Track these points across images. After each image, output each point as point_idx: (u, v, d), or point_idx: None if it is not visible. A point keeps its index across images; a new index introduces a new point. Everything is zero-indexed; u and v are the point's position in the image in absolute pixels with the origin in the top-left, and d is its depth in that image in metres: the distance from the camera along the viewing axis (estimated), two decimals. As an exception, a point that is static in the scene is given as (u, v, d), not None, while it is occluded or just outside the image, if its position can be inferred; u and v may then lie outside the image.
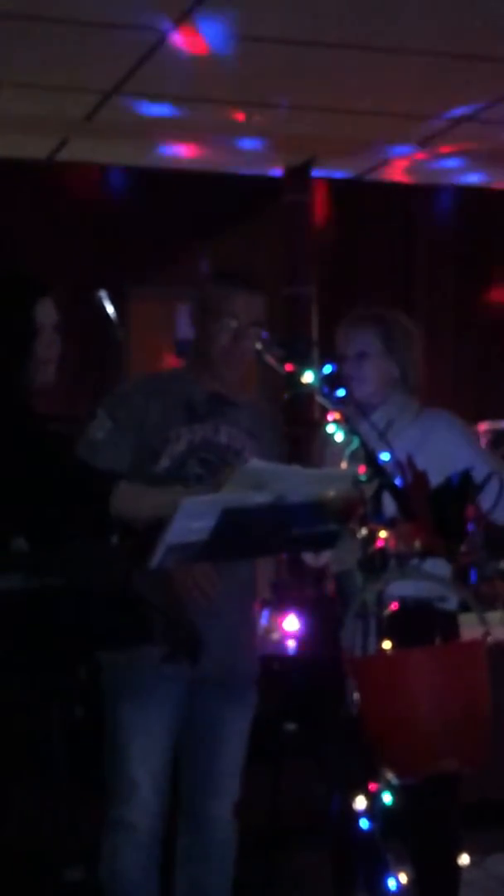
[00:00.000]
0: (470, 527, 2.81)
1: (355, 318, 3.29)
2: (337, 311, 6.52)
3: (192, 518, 2.48)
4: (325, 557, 3.05)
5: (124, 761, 2.91)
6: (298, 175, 6.28)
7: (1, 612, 2.60)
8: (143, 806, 2.91)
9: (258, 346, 2.97)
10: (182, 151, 6.18)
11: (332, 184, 6.58)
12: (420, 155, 6.25)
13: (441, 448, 3.12)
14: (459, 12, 4.52)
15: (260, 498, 2.50)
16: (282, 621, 4.36)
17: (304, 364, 2.85)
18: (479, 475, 2.82)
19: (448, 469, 2.80)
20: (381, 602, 2.68)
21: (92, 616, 2.66)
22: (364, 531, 2.64)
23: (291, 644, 4.33)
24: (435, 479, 2.74)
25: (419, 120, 5.76)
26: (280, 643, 4.33)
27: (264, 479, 2.52)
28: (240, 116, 5.69)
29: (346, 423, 2.82)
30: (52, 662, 2.76)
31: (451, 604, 3.13)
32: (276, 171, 6.34)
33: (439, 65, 5.04)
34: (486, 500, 3.07)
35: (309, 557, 3.16)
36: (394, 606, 2.73)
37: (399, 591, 2.82)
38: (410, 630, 2.81)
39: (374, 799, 2.68)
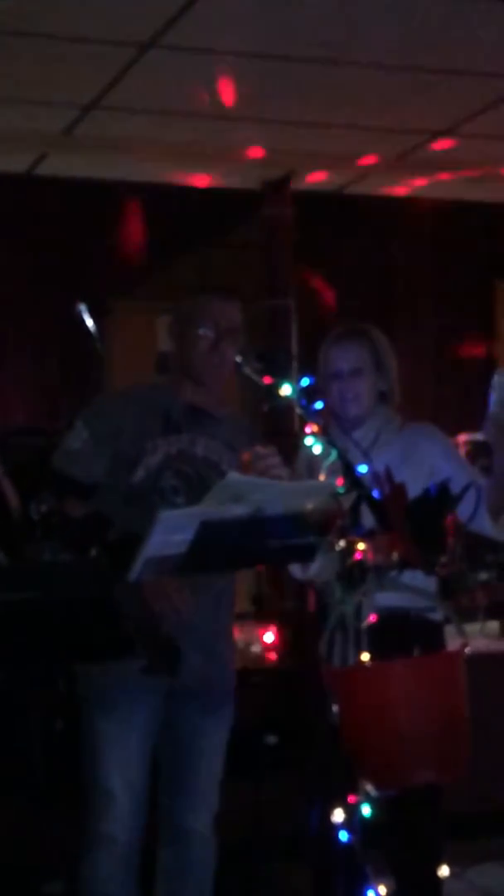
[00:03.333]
0: (449, 538, 2.81)
1: (342, 335, 3.28)
2: (316, 324, 6.57)
3: (171, 531, 2.50)
4: (313, 570, 3.04)
5: (101, 774, 2.91)
6: (277, 188, 6.29)
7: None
8: (121, 818, 2.91)
9: (237, 357, 2.98)
10: (161, 165, 6.19)
11: (312, 197, 6.60)
12: (399, 169, 6.28)
13: (425, 460, 3.15)
14: (436, 27, 4.54)
15: (238, 510, 2.52)
16: (262, 633, 4.37)
17: (282, 377, 2.86)
18: (459, 486, 2.84)
19: (432, 480, 2.81)
20: (360, 614, 2.69)
21: (71, 629, 2.66)
22: (342, 543, 2.65)
23: (272, 656, 4.34)
24: (420, 491, 2.75)
25: (398, 134, 5.78)
26: (260, 655, 4.34)
27: (243, 492, 2.53)
28: (218, 131, 5.70)
29: (325, 435, 2.83)
30: (31, 675, 2.76)
31: (438, 614, 3.13)
32: (255, 185, 6.36)
33: (417, 79, 5.06)
34: (464, 510, 3.09)
35: (296, 570, 3.16)
36: (372, 618, 2.74)
37: (382, 601, 2.84)
38: (391, 640, 2.82)
39: (353, 811, 2.69)
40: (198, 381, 3.02)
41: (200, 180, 6.43)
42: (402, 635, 2.95)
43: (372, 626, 2.80)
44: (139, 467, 2.95)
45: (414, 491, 2.76)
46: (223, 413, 3.10)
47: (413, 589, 2.72)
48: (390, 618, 2.95)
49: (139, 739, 2.93)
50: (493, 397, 2.96)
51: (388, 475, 2.90)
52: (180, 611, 2.78)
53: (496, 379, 2.94)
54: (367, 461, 2.85)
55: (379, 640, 2.82)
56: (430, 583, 2.93)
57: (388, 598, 2.85)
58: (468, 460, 4.65)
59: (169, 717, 2.97)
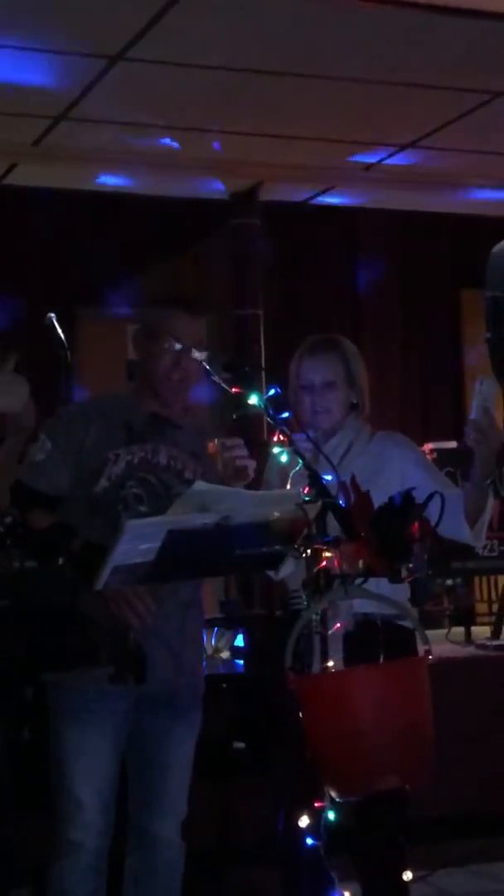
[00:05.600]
0: (415, 545, 2.84)
1: (314, 347, 3.26)
2: (284, 333, 6.62)
3: (138, 539, 2.51)
4: (285, 570, 3.04)
5: (69, 781, 2.92)
6: (245, 199, 6.33)
7: None
8: (89, 825, 2.91)
9: (205, 367, 3.01)
10: (130, 176, 6.22)
11: (279, 208, 6.64)
12: (366, 181, 6.34)
13: (396, 468, 3.16)
14: (400, 42, 4.60)
15: (205, 519, 2.53)
16: (231, 640, 4.39)
17: (250, 386, 2.89)
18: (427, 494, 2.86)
19: (404, 488, 2.83)
20: (325, 621, 2.72)
21: (38, 637, 2.68)
22: (308, 551, 2.68)
23: (240, 663, 4.36)
24: (393, 499, 2.78)
25: (364, 146, 5.84)
26: (229, 662, 4.36)
27: (209, 501, 2.55)
28: (186, 142, 5.74)
29: (291, 445, 2.86)
30: (-1, 684, 2.77)
31: (408, 621, 3.14)
32: (224, 196, 6.40)
33: (383, 93, 5.12)
34: (431, 517, 3.08)
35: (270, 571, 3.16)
36: (337, 626, 2.77)
37: (359, 607, 2.88)
38: (360, 647, 2.85)
39: (319, 816, 2.71)
40: (159, 392, 3.04)
41: (169, 190, 6.46)
42: (371, 642, 2.98)
43: (348, 633, 2.84)
44: (102, 477, 2.96)
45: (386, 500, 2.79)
46: (187, 421, 3.12)
47: (378, 596, 2.74)
48: (360, 624, 2.99)
49: (107, 747, 2.94)
50: (475, 404, 2.98)
51: (354, 484, 2.94)
52: (143, 618, 2.80)
53: (477, 386, 2.97)
54: (334, 471, 2.88)
55: (349, 646, 2.85)
56: (399, 590, 2.95)
57: (359, 605, 2.89)
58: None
59: (137, 724, 2.98)
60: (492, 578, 6.20)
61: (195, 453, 3.06)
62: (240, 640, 4.41)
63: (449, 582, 5.75)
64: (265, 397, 2.87)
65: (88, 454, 2.97)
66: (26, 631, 2.71)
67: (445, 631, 5.55)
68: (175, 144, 5.39)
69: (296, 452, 2.85)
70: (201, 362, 2.99)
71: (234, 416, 5.87)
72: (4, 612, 2.72)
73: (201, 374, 3.03)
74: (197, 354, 3.00)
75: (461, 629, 5.50)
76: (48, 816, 2.98)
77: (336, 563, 2.70)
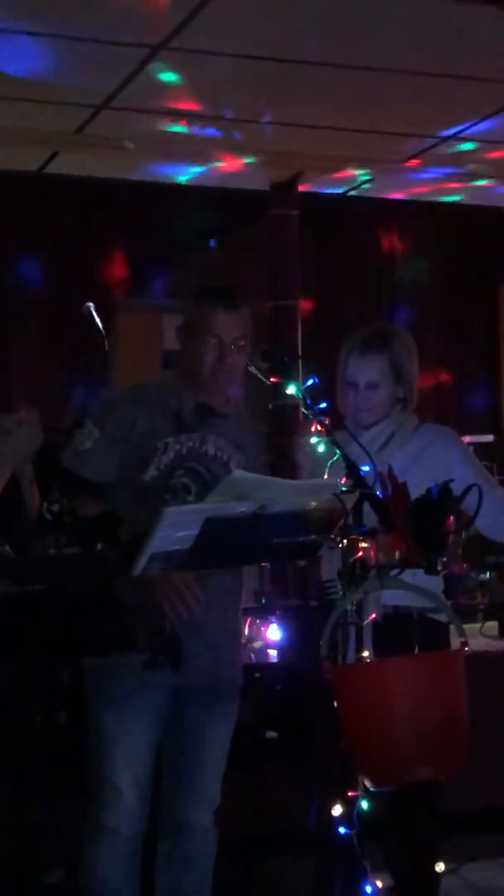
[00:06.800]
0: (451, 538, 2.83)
1: (364, 345, 3.24)
2: (322, 324, 6.61)
3: (176, 527, 2.53)
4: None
5: (106, 767, 2.93)
6: (285, 190, 6.32)
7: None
8: (125, 811, 2.93)
9: (245, 359, 3.01)
10: (169, 165, 6.23)
11: (319, 199, 6.63)
12: (405, 172, 6.32)
13: (440, 462, 3.16)
14: (445, 32, 4.58)
15: (243, 508, 2.54)
16: (265, 630, 4.40)
17: (288, 376, 2.89)
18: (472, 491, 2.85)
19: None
20: (361, 611, 2.72)
21: (76, 622, 2.69)
22: (345, 542, 2.68)
23: (274, 653, 4.37)
24: (432, 491, 2.77)
25: (404, 138, 5.82)
26: (262, 652, 4.37)
27: (248, 490, 2.56)
28: (227, 132, 5.74)
29: (328, 434, 2.86)
30: (36, 668, 2.79)
31: (443, 614, 3.14)
32: (263, 186, 6.39)
33: (425, 84, 5.10)
34: (481, 517, 3.05)
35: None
36: (372, 616, 2.77)
37: (387, 600, 2.87)
38: (394, 639, 2.86)
39: (352, 806, 2.72)
40: (203, 386, 3.03)
41: (209, 180, 6.47)
42: (406, 634, 2.98)
43: (376, 625, 2.84)
44: (151, 466, 2.96)
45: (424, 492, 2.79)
46: (231, 411, 3.12)
47: (414, 588, 2.74)
48: (394, 616, 2.99)
49: (146, 735, 2.94)
50: None
51: (392, 475, 2.93)
52: (192, 608, 2.80)
53: None
54: (371, 461, 2.88)
55: (383, 638, 2.85)
56: (434, 582, 2.95)
57: (394, 597, 2.89)
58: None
59: (174, 711, 2.98)
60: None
61: (238, 443, 3.06)
62: (274, 630, 4.42)
63: (483, 576, 5.73)
64: (303, 387, 2.87)
65: (136, 442, 2.97)
66: (62, 615, 2.72)
67: (479, 625, 5.53)
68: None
69: (333, 443, 2.86)
70: (240, 359, 3.00)
71: (271, 406, 5.91)
72: (40, 596, 2.74)
73: (244, 366, 3.03)
74: (237, 350, 2.98)
75: (494, 623, 5.48)
76: (82, 799, 3.00)
77: (372, 553, 2.70)
